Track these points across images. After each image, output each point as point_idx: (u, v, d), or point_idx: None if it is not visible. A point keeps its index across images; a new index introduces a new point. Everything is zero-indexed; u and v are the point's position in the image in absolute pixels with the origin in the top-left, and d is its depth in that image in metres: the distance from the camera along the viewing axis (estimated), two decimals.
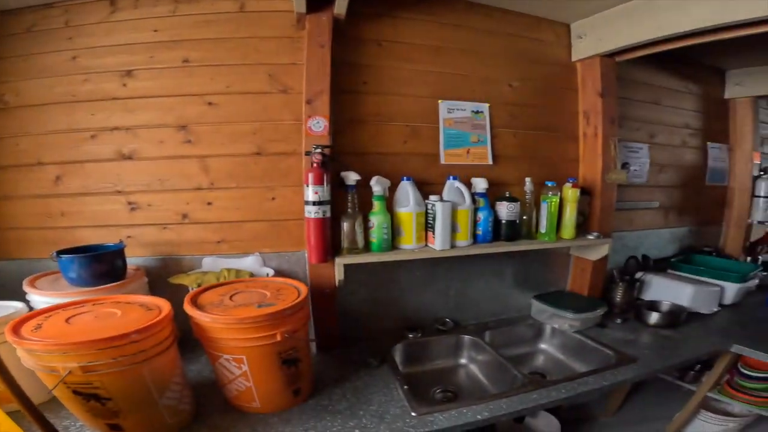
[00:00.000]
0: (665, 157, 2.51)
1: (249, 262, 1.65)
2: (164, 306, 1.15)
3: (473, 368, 1.80)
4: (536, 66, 1.97)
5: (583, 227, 1.97)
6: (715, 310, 2.15)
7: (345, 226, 1.52)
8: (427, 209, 1.60)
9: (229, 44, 1.57)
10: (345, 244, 1.54)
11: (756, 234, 2.79)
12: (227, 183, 1.62)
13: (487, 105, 1.87)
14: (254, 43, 1.57)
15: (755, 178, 2.75)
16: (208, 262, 1.64)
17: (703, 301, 2.10)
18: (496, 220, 1.73)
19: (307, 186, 1.43)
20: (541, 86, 1.99)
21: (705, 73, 2.64)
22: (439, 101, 1.79)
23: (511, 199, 1.72)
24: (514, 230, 1.74)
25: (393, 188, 1.63)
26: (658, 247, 2.52)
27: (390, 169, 1.68)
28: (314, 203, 1.42)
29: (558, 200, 1.79)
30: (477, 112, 1.85)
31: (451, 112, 1.80)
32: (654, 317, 1.95)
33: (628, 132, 2.31)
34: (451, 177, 1.70)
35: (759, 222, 2.75)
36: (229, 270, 1.58)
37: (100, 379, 0.95)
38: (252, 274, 1.58)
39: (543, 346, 2.01)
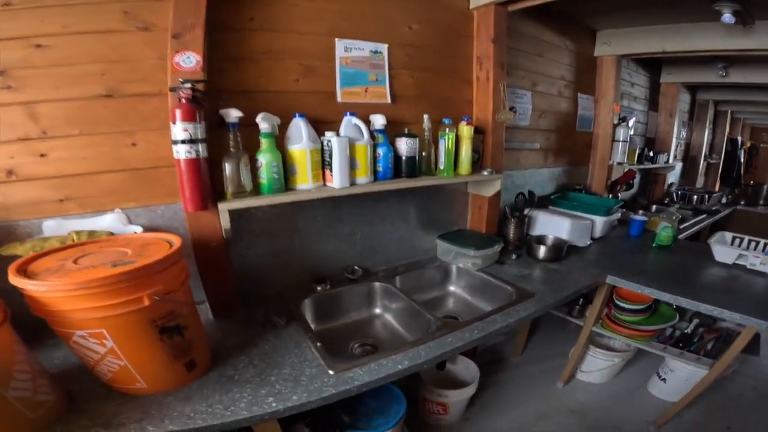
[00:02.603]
0: (545, 104, 2.64)
1: (109, 221, 1.31)
2: None
3: (388, 317, 1.72)
4: (436, 11, 1.87)
5: (477, 165, 1.98)
6: (589, 242, 2.36)
7: (228, 167, 1.27)
8: (323, 146, 1.42)
9: None
10: (230, 188, 1.29)
11: (616, 174, 3.13)
12: (66, 130, 1.25)
13: (385, 45, 1.73)
14: None
15: (615, 126, 3.06)
16: (52, 226, 1.26)
17: (579, 234, 2.28)
18: (396, 157, 1.64)
19: (174, 123, 1.15)
20: (439, 31, 1.90)
21: (580, 32, 2.80)
22: (336, 39, 1.60)
23: (410, 135, 1.64)
24: (414, 166, 1.66)
25: (285, 127, 1.42)
26: (540, 185, 2.68)
27: (281, 107, 1.45)
28: (184, 142, 1.15)
29: (455, 136, 1.76)
30: (375, 52, 1.71)
31: (349, 51, 1.63)
32: (542, 251, 2.07)
33: (515, 79, 2.36)
34: (348, 113, 1.53)
35: (618, 163, 3.09)
36: (78, 232, 1.23)
37: None
38: (112, 234, 1.27)
39: (451, 288, 2.02)
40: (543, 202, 2.55)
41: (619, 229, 2.71)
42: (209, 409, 0.99)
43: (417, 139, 1.66)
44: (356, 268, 1.76)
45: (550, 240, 2.22)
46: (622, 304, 2.04)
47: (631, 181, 3.27)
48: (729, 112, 5.75)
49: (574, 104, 2.90)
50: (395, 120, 1.73)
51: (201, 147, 1.18)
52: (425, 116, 1.74)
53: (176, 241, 1.05)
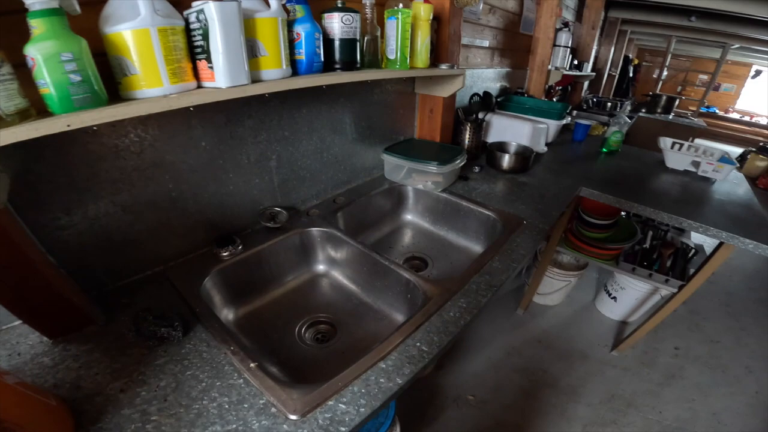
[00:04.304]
0: None
1: None
2: None
3: (337, 275, 1.16)
4: None
5: (431, 59, 1.40)
6: (545, 149, 2.01)
7: None
8: (188, 22, 0.72)
9: None
10: None
11: (553, 78, 2.76)
12: None
13: None
14: None
15: (557, 30, 2.69)
16: None
17: (537, 140, 1.90)
18: (327, 41, 0.98)
19: None
20: None
21: None
22: None
23: (347, 9, 0.97)
24: (353, 54, 1.01)
25: (99, 7, 0.64)
26: (484, 86, 2.19)
27: None
28: None
29: (410, 15, 1.13)
30: None
31: None
32: (507, 161, 1.63)
33: None
34: None
35: (556, 68, 2.75)
36: None
37: None
38: None
39: (408, 217, 1.49)
40: (493, 107, 2.09)
41: (561, 134, 2.38)
42: None
43: (357, 15, 1.00)
44: (277, 210, 1.11)
45: (513, 147, 1.78)
46: (589, 219, 1.72)
47: (568, 86, 2.94)
48: (628, 32, 5.75)
49: (520, 4, 2.36)
50: None
51: None
52: None
53: None
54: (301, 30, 0.90)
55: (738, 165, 1.76)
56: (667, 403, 1.79)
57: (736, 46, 5.29)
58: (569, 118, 2.28)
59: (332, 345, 0.96)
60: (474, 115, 1.73)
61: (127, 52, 0.64)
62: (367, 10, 1.07)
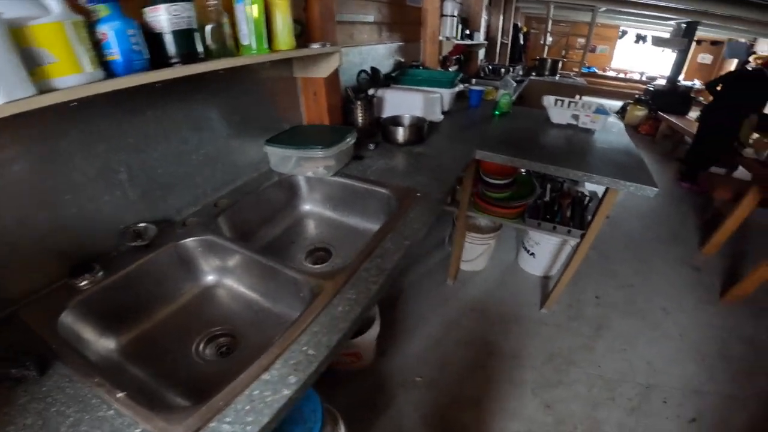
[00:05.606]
0: None
1: None
2: None
3: (231, 284, 1.04)
4: None
5: (301, 40, 1.29)
6: (441, 118, 2.02)
7: None
8: None
9: None
10: None
11: (446, 49, 2.80)
12: None
13: None
14: None
15: (443, 1, 2.68)
16: None
17: (431, 110, 1.91)
18: (152, 36, 0.83)
19: None
20: None
21: None
22: None
23: (174, 0, 0.82)
24: (192, 44, 0.87)
25: None
26: (378, 63, 2.12)
27: None
28: None
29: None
30: None
31: None
32: (401, 133, 1.60)
33: None
34: None
35: (447, 38, 2.77)
36: None
37: None
38: None
39: (306, 207, 1.40)
40: (384, 81, 2.05)
41: (458, 102, 2.41)
42: None
43: (190, 3, 0.85)
44: (143, 225, 0.96)
45: (407, 120, 1.76)
46: (490, 180, 1.77)
47: (461, 56, 3.00)
48: (513, 0, 6.04)
49: None
50: None
51: None
52: None
53: None
54: (107, 29, 0.75)
55: (613, 114, 1.91)
56: (602, 357, 1.83)
57: (603, 9, 5.82)
58: (464, 86, 2.32)
59: (236, 356, 0.88)
60: (364, 93, 1.67)
61: None
62: None
